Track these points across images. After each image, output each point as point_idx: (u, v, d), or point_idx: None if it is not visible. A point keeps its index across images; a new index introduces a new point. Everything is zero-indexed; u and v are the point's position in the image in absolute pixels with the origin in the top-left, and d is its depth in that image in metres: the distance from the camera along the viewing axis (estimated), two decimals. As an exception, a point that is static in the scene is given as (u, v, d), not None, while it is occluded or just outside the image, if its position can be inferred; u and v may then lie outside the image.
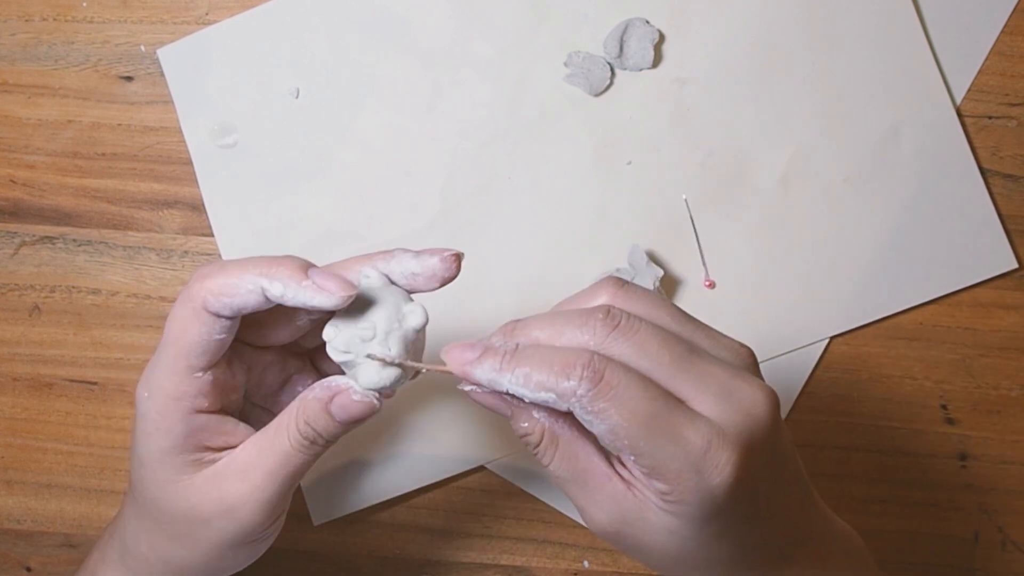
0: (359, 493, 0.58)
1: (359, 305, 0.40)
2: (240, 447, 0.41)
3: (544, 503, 0.58)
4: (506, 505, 0.58)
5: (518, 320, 0.38)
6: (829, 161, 0.58)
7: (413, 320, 0.40)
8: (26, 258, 0.59)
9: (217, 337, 0.40)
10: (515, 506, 0.58)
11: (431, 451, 0.57)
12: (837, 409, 0.58)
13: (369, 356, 0.39)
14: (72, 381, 0.59)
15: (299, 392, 0.43)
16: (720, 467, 0.35)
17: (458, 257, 0.40)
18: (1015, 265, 0.58)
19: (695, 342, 0.38)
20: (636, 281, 0.56)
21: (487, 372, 0.37)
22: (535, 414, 0.38)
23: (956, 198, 0.58)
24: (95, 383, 0.59)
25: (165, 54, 0.58)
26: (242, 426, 0.43)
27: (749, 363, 0.39)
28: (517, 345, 0.37)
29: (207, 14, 0.59)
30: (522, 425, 0.38)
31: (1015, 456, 0.58)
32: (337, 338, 0.39)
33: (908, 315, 0.58)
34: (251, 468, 0.41)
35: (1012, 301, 0.58)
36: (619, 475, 0.38)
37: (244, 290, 0.39)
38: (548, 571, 0.58)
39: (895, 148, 0.58)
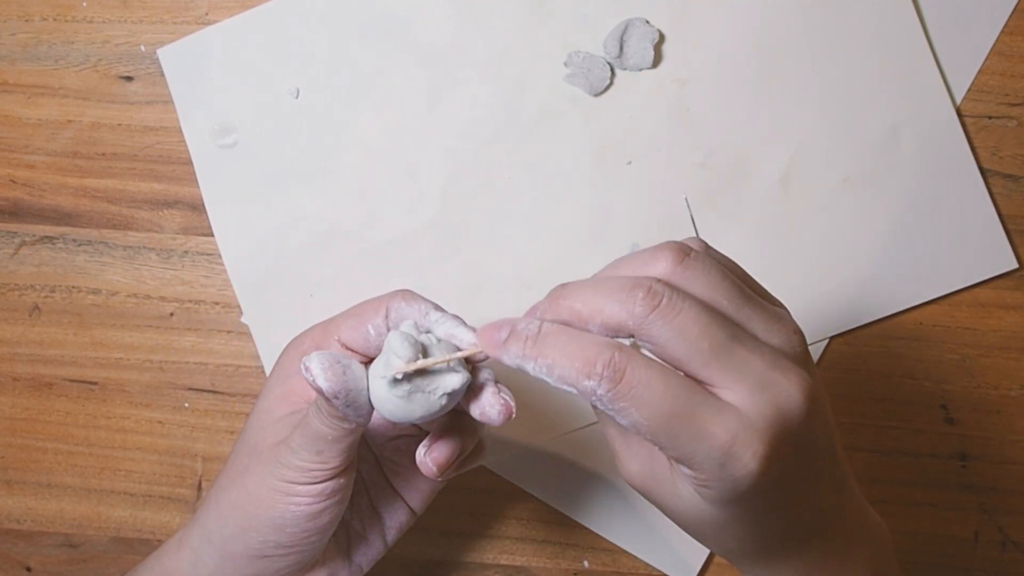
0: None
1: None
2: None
3: (544, 503, 0.58)
4: (506, 505, 0.58)
5: (565, 285, 0.38)
6: (829, 161, 0.58)
7: (451, 381, 0.40)
8: (26, 258, 0.59)
9: (371, 330, 0.44)
10: (515, 506, 0.58)
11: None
12: (837, 409, 0.58)
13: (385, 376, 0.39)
14: (72, 381, 0.59)
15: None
16: (745, 461, 0.35)
17: (509, 411, 0.41)
18: (1015, 265, 0.58)
19: (745, 326, 0.37)
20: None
21: (513, 357, 0.37)
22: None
23: (956, 198, 0.58)
24: (95, 383, 0.59)
25: (165, 54, 0.58)
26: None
27: (799, 350, 0.38)
28: (540, 328, 0.37)
29: (207, 14, 0.59)
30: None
31: (1015, 456, 0.58)
32: (400, 345, 0.39)
33: (908, 315, 0.58)
34: (299, 424, 0.43)
35: (1012, 301, 0.58)
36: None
37: (417, 307, 0.43)
38: (548, 571, 0.58)
39: (895, 148, 0.58)
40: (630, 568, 0.58)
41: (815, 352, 0.58)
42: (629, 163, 0.58)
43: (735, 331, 0.36)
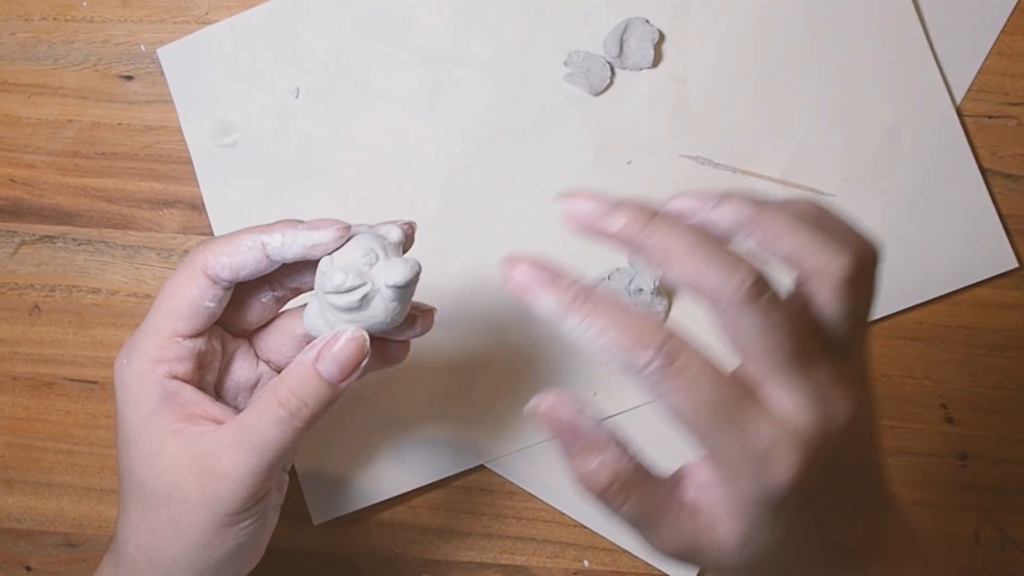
0: (359, 492, 0.58)
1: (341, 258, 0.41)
2: (224, 424, 0.41)
3: (544, 502, 0.58)
4: (506, 504, 0.58)
5: (666, 221, 0.34)
6: (829, 160, 0.58)
7: (411, 264, 0.41)
8: (26, 257, 0.59)
9: (207, 304, 0.41)
10: (515, 505, 0.58)
11: (431, 450, 0.57)
12: (837, 409, 0.58)
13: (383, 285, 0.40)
14: (72, 380, 0.59)
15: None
16: (782, 467, 0.33)
17: (411, 227, 0.42)
18: (1015, 264, 0.58)
19: (835, 336, 0.35)
20: (636, 281, 0.56)
21: (553, 305, 0.33)
22: (611, 452, 0.35)
23: (956, 197, 0.58)
24: (95, 382, 0.59)
25: (165, 53, 0.58)
26: (219, 405, 0.42)
27: (862, 362, 0.36)
28: (590, 291, 0.34)
29: (207, 13, 0.59)
30: (588, 467, 0.35)
31: (1015, 456, 0.58)
32: (333, 267, 0.40)
33: (907, 314, 0.58)
34: (232, 444, 0.40)
35: (1012, 300, 0.58)
36: (685, 504, 0.36)
37: (244, 247, 0.41)
38: (548, 570, 0.58)
39: (895, 147, 0.58)
40: (630, 568, 0.58)
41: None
42: (629, 162, 0.58)
43: (818, 337, 0.34)
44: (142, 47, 0.59)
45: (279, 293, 0.45)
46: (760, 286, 0.33)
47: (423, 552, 0.59)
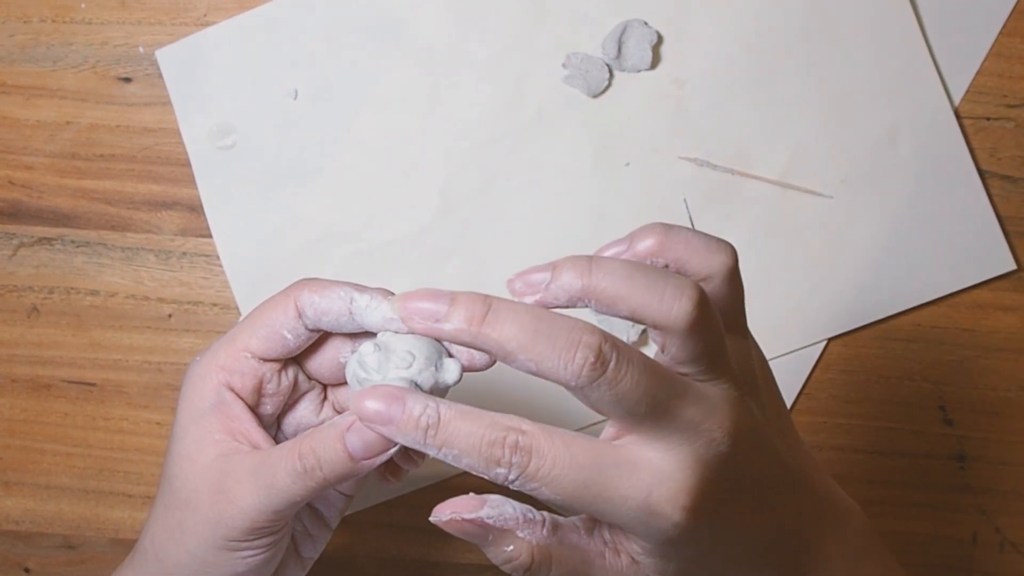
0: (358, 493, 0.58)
1: (401, 343, 0.39)
2: (254, 453, 0.41)
3: (543, 503, 0.58)
4: (504, 506, 0.58)
5: (501, 308, 0.35)
6: (827, 162, 0.58)
7: (449, 375, 0.39)
8: (24, 259, 0.59)
9: (285, 334, 0.41)
10: (513, 507, 0.58)
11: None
12: (835, 410, 0.58)
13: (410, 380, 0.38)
14: (71, 382, 0.59)
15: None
16: (667, 514, 0.34)
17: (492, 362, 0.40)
18: (1013, 266, 0.58)
19: (698, 369, 0.36)
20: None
21: (411, 441, 0.36)
22: (520, 533, 0.37)
23: (954, 199, 0.58)
24: (94, 384, 0.59)
25: (163, 55, 0.58)
26: (263, 432, 0.42)
27: (735, 375, 0.37)
28: (439, 415, 0.35)
29: (205, 15, 0.59)
30: (505, 550, 0.37)
31: (1013, 457, 0.58)
32: (370, 356, 0.38)
33: (906, 316, 0.58)
34: (250, 474, 0.40)
35: (1010, 302, 0.58)
36: (608, 542, 0.38)
37: (335, 296, 0.40)
38: (546, 572, 0.58)
39: (893, 149, 0.58)
40: (628, 569, 0.58)
41: (813, 353, 0.58)
42: (627, 164, 0.58)
43: (674, 385, 0.35)
44: (140, 49, 0.59)
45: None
46: (602, 360, 0.33)
47: (422, 554, 0.59)
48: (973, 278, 0.58)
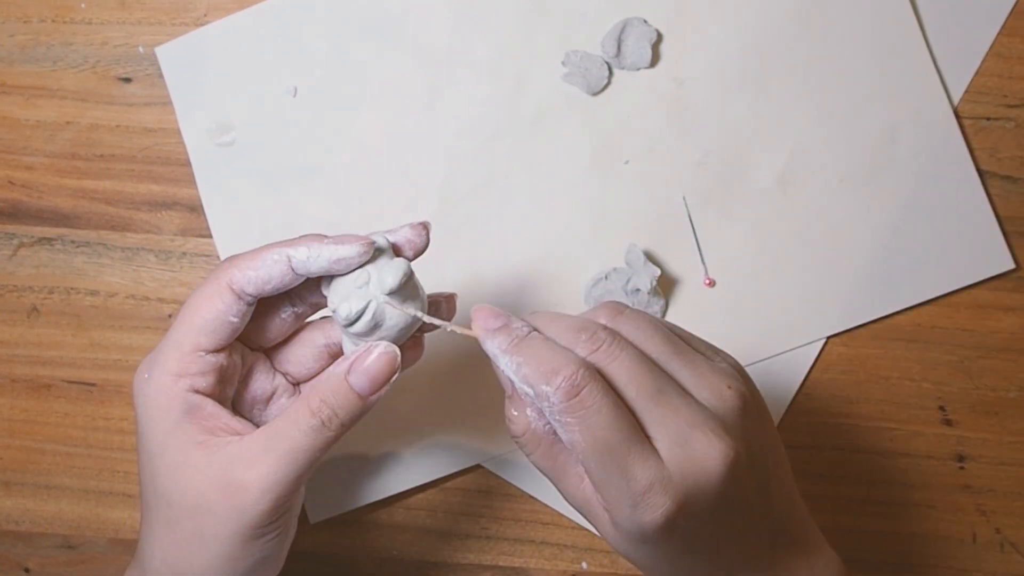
0: (357, 491, 0.58)
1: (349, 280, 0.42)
2: (250, 435, 0.41)
3: (542, 504, 0.58)
4: (504, 506, 0.58)
5: (537, 312, 0.41)
6: (827, 161, 0.58)
7: (398, 265, 0.42)
8: (24, 259, 0.59)
9: (232, 319, 0.42)
10: (513, 507, 0.58)
11: (428, 449, 0.58)
12: (834, 410, 0.58)
13: (387, 300, 0.41)
14: (71, 382, 0.59)
15: (284, 404, 0.45)
16: (653, 509, 0.37)
17: (425, 226, 0.43)
18: (1012, 266, 0.58)
19: (676, 378, 0.39)
20: (633, 280, 0.56)
21: (494, 347, 0.39)
22: (528, 411, 0.41)
23: (954, 199, 0.58)
24: (93, 384, 0.59)
25: (163, 52, 0.58)
26: (239, 419, 0.43)
27: (730, 405, 0.39)
28: (530, 332, 0.39)
29: (205, 15, 0.59)
30: (512, 413, 0.41)
31: (1013, 457, 0.58)
32: (335, 293, 0.41)
33: (906, 316, 0.58)
34: (263, 452, 0.40)
35: (1010, 302, 0.58)
36: (585, 479, 0.40)
37: (270, 261, 0.41)
38: (546, 572, 0.58)
39: (893, 149, 0.58)
40: (628, 569, 0.58)
41: (812, 352, 0.58)
42: (627, 162, 0.58)
43: (662, 383, 0.38)
44: (140, 49, 0.59)
45: (299, 309, 0.45)
46: (596, 340, 0.39)
47: (421, 554, 0.59)
48: (972, 277, 0.58)
